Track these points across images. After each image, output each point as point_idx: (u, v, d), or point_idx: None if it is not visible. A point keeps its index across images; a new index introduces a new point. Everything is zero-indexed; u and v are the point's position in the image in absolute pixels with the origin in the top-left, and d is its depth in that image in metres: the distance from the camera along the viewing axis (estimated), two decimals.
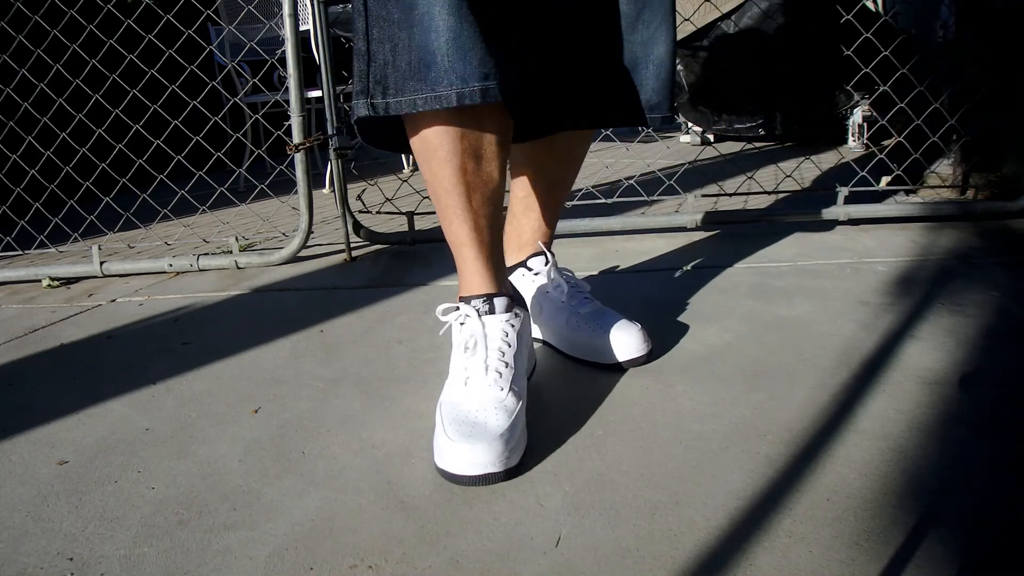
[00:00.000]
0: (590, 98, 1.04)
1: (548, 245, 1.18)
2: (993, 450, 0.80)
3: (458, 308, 0.94)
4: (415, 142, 0.90)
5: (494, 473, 0.79)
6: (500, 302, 0.93)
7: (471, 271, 0.94)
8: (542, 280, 1.15)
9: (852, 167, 2.00)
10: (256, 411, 1.02)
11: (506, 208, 1.16)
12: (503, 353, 0.90)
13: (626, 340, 1.05)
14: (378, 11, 0.82)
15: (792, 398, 0.94)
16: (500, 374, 0.88)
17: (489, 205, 0.92)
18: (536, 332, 1.16)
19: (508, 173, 1.06)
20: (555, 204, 1.18)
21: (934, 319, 1.16)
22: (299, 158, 1.77)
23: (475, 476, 0.79)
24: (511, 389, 0.87)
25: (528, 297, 1.15)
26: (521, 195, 1.16)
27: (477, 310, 0.92)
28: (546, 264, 1.16)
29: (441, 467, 0.81)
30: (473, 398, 0.87)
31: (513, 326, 0.93)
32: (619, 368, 1.06)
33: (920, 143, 1.90)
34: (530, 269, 1.17)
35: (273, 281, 1.69)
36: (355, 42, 0.86)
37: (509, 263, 1.17)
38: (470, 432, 0.81)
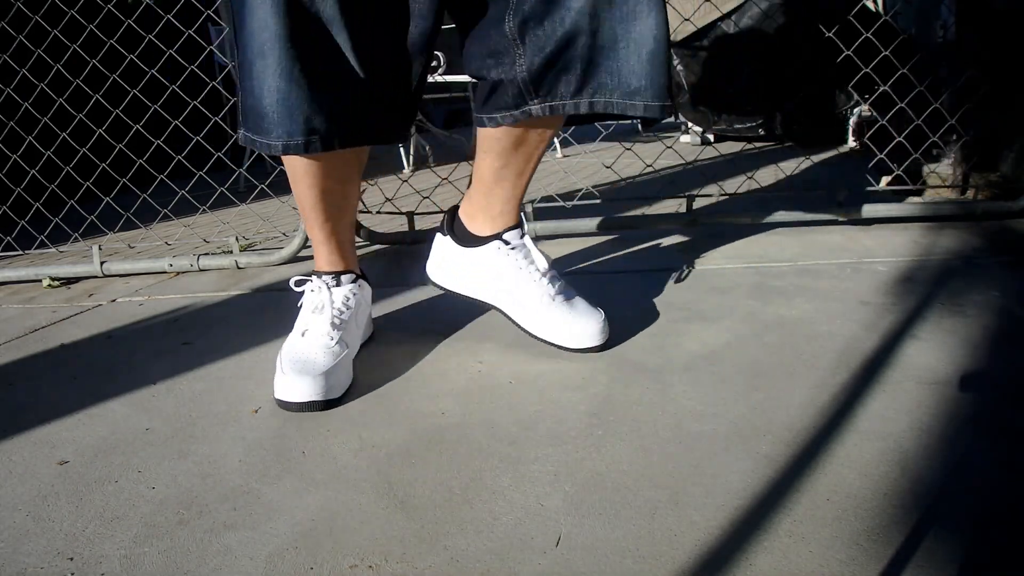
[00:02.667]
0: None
1: (518, 218, 1.20)
2: (994, 450, 0.80)
3: (311, 279, 1.14)
4: (287, 166, 1.08)
5: (316, 401, 0.99)
6: (346, 277, 1.15)
7: (322, 255, 1.15)
8: (519, 258, 1.18)
9: (852, 167, 1.99)
10: (256, 411, 1.02)
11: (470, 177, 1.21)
12: (340, 313, 1.11)
13: (585, 326, 1.13)
14: (240, 59, 0.95)
15: (792, 398, 0.94)
16: (333, 326, 1.08)
17: (346, 214, 1.16)
18: (497, 302, 1.21)
19: (477, 142, 1.17)
20: (526, 180, 1.19)
21: (934, 319, 1.16)
22: None
23: (300, 403, 0.99)
24: (340, 340, 1.07)
25: (502, 270, 1.18)
26: (496, 165, 1.15)
27: (327, 283, 1.13)
28: (521, 236, 1.19)
29: (276, 397, 1.01)
30: (307, 344, 1.06)
31: (355, 294, 1.15)
32: (573, 352, 1.13)
33: (920, 143, 1.90)
34: (507, 243, 1.18)
35: (273, 281, 1.69)
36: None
37: (482, 233, 1.20)
38: (301, 368, 1.00)
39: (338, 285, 1.14)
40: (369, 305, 1.23)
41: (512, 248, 1.18)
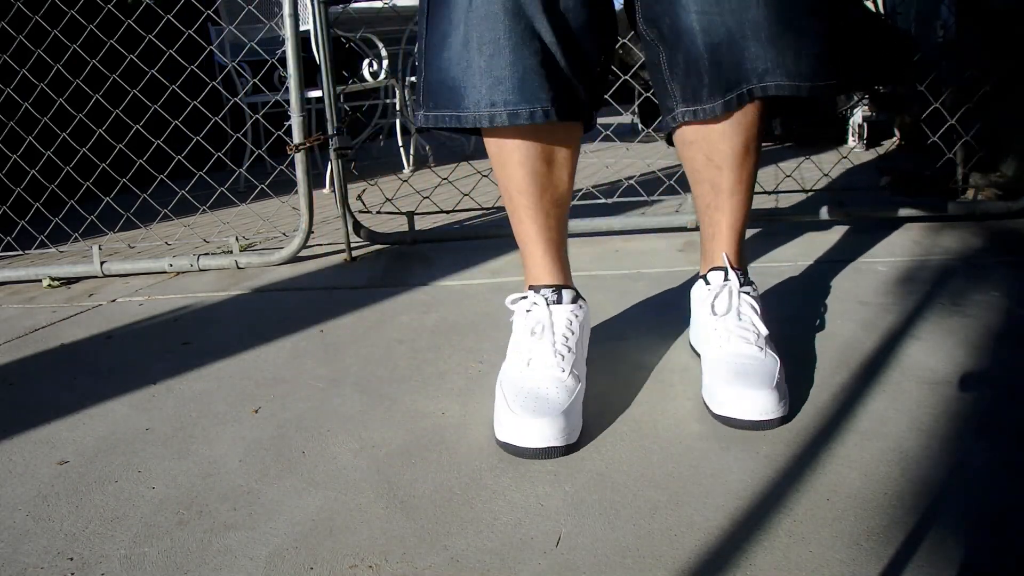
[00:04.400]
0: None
1: (734, 260, 1.04)
2: (994, 450, 0.80)
3: (526, 297, 0.99)
4: (491, 145, 0.97)
5: (556, 447, 0.83)
6: (567, 293, 0.98)
7: (539, 264, 1.00)
8: (710, 297, 1.03)
9: (852, 167, 1.99)
10: (256, 411, 1.02)
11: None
12: (567, 339, 0.95)
13: (753, 406, 0.88)
14: (442, 33, 0.90)
15: (792, 398, 0.94)
16: (563, 357, 0.93)
17: (557, 207, 0.99)
18: (695, 341, 1.09)
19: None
20: (728, 211, 1.03)
21: (934, 319, 1.16)
22: (299, 158, 1.77)
23: (538, 448, 0.83)
24: (572, 372, 0.92)
25: (696, 311, 1.08)
26: (702, 204, 1.07)
27: (545, 298, 0.97)
28: (724, 280, 1.03)
29: (504, 440, 0.85)
30: (535, 376, 0.91)
31: (577, 316, 0.98)
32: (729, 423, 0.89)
33: (920, 143, 1.90)
34: (708, 283, 1.06)
35: (273, 281, 1.69)
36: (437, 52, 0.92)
37: (700, 272, 1.09)
38: (534, 407, 0.85)
39: (559, 303, 0.97)
40: (589, 327, 1.04)
41: (709, 289, 1.04)
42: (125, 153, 1.96)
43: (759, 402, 0.87)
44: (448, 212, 2.05)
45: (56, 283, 1.83)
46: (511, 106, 0.88)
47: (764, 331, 0.98)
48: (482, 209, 2.05)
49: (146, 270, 1.84)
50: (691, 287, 1.11)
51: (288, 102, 1.78)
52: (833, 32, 0.94)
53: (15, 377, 1.21)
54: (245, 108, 3.08)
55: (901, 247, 1.59)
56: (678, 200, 2.07)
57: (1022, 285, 1.30)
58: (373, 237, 1.91)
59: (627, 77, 2.03)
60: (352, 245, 1.84)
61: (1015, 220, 1.73)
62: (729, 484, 0.77)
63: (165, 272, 1.83)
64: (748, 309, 1.00)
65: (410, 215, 1.93)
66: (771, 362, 0.94)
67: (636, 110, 3.94)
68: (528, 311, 0.97)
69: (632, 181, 1.98)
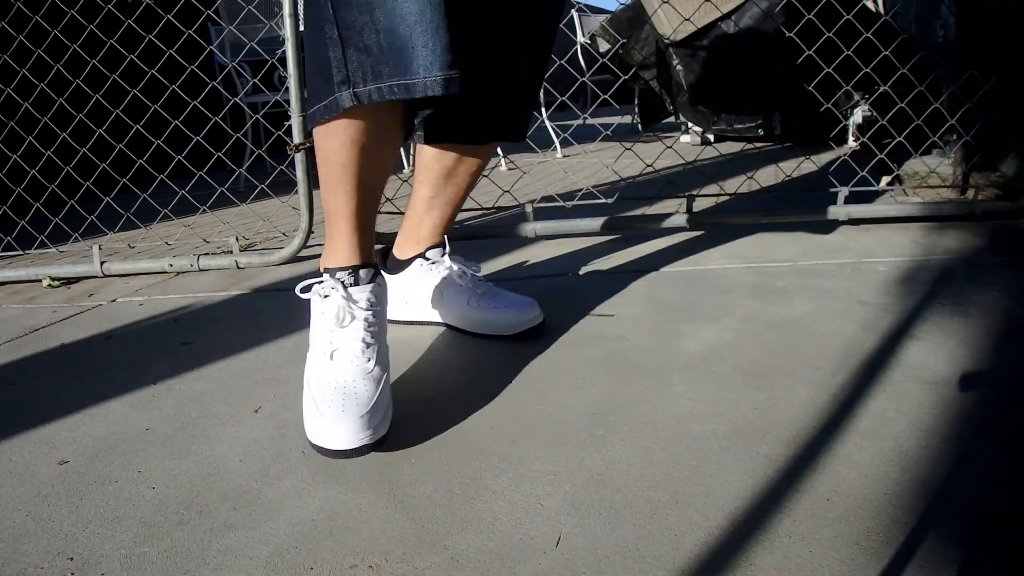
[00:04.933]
0: (514, 108, 1.15)
1: (441, 239, 1.26)
2: (994, 450, 0.80)
3: (322, 281, 0.95)
4: (335, 116, 0.88)
5: (366, 445, 0.82)
6: (365, 273, 0.96)
7: (343, 242, 0.95)
8: (441, 268, 1.23)
9: (852, 167, 2.00)
10: (256, 411, 1.02)
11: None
12: (370, 324, 0.92)
13: (520, 313, 1.17)
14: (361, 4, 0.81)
15: (792, 398, 0.94)
16: (367, 345, 0.90)
17: (378, 186, 0.98)
18: (436, 316, 1.26)
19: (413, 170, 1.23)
20: (457, 208, 1.25)
21: (934, 319, 1.16)
22: (299, 158, 1.77)
23: (349, 449, 0.81)
24: (377, 359, 0.90)
25: (426, 286, 1.24)
26: (427, 195, 1.22)
27: (343, 282, 0.93)
28: (443, 254, 1.24)
29: (316, 443, 0.83)
30: (341, 370, 0.88)
31: (378, 297, 0.95)
32: (517, 338, 1.17)
33: (920, 143, 1.90)
34: (427, 259, 1.24)
35: (273, 281, 1.69)
36: (359, 35, 0.83)
37: (405, 256, 1.26)
38: (342, 405, 0.83)
39: (356, 284, 0.94)
40: (387, 303, 1.02)
41: (433, 263, 1.23)
42: (125, 153, 1.96)
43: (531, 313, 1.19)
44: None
45: (56, 283, 1.83)
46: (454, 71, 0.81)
47: (479, 269, 1.27)
48: (482, 209, 2.05)
49: (146, 270, 1.84)
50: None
51: (288, 102, 1.78)
52: None
53: (15, 377, 1.21)
54: (245, 108, 3.08)
55: (901, 247, 1.59)
56: (678, 200, 2.07)
57: (1022, 285, 1.30)
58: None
59: (626, 77, 2.03)
60: None
61: (1015, 220, 1.73)
62: (729, 484, 0.77)
63: (165, 272, 1.83)
64: (462, 264, 1.24)
65: None
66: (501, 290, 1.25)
67: (636, 110, 3.95)
68: (326, 296, 0.93)
69: (632, 181, 1.98)
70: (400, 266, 1.26)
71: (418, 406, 1.00)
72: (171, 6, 1.87)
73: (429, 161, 1.20)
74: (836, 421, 0.88)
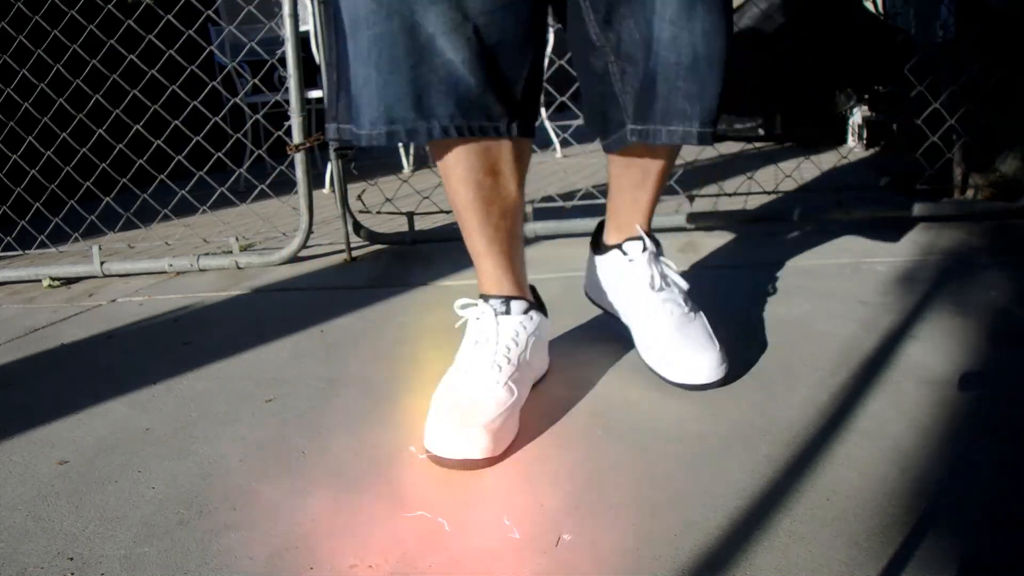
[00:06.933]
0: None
1: (647, 230, 1.10)
2: (993, 450, 0.80)
3: (476, 304, 0.98)
4: (437, 160, 0.97)
5: (475, 459, 0.83)
6: (517, 305, 0.98)
7: (490, 276, 0.99)
8: (636, 268, 1.08)
9: (852, 167, 2.00)
10: (256, 411, 1.02)
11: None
12: (508, 350, 0.94)
13: (697, 363, 0.98)
14: (359, 49, 0.88)
15: (792, 398, 0.94)
16: (500, 368, 0.92)
17: (505, 219, 0.98)
18: (621, 315, 1.13)
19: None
20: (650, 191, 1.08)
21: (934, 319, 1.16)
22: (299, 158, 1.77)
23: (457, 460, 0.83)
24: (506, 384, 0.91)
25: (619, 281, 1.11)
26: (615, 172, 1.09)
27: (494, 309, 0.97)
28: (643, 250, 1.09)
29: (428, 448, 0.85)
30: (468, 386, 0.90)
31: (525, 327, 0.97)
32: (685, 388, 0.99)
33: (920, 143, 1.90)
34: (625, 254, 1.10)
35: (273, 281, 1.69)
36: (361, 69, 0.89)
37: (609, 242, 1.14)
38: (460, 418, 0.85)
39: (507, 313, 0.97)
40: (546, 341, 1.05)
41: (631, 260, 1.09)
42: (125, 153, 1.96)
43: (711, 361, 0.98)
44: (448, 212, 2.05)
45: (56, 283, 1.83)
46: (408, 123, 0.87)
47: (685, 286, 1.09)
48: None
49: (146, 270, 1.84)
50: (596, 255, 1.16)
51: (288, 102, 1.78)
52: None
53: (15, 377, 1.21)
54: (245, 108, 3.08)
55: (901, 247, 1.59)
56: (677, 200, 2.07)
57: (1022, 285, 1.30)
58: (373, 237, 1.91)
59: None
60: (352, 245, 1.84)
61: (1015, 220, 1.73)
62: (729, 484, 0.77)
63: (165, 272, 1.83)
64: (672, 273, 1.09)
65: (410, 215, 1.93)
66: (702, 321, 1.05)
67: None
68: (477, 319, 0.98)
69: None
70: (602, 248, 1.15)
71: (418, 405, 1.00)
72: (171, 6, 1.87)
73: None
74: (836, 421, 0.88)
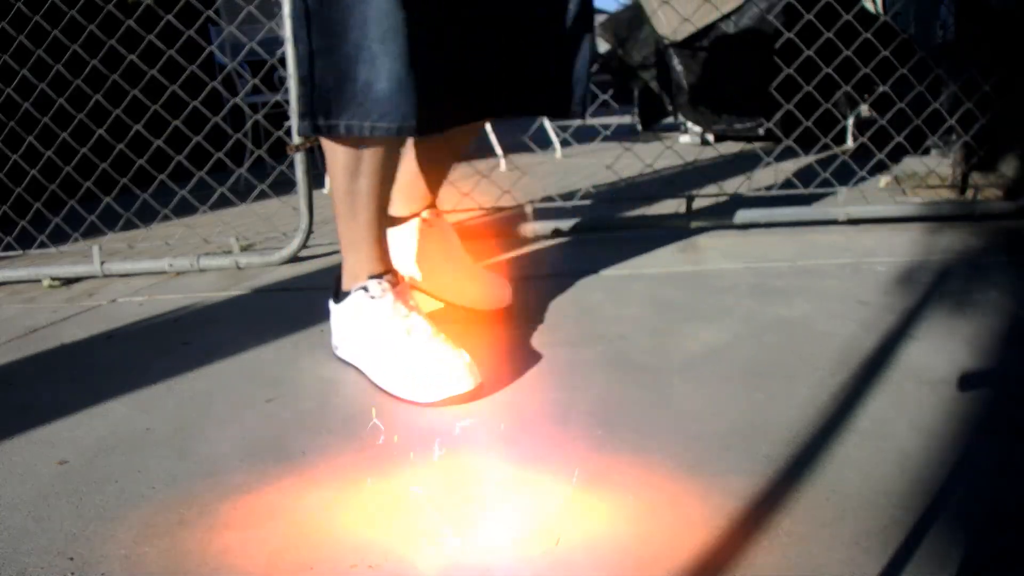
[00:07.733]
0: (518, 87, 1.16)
1: (434, 207, 1.27)
2: (993, 450, 0.80)
3: (366, 288, 1.07)
4: (346, 154, 1.04)
5: (460, 394, 0.96)
6: (395, 275, 1.10)
7: (378, 253, 1.10)
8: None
9: (852, 167, 2.00)
10: (256, 411, 1.02)
11: None
12: (421, 311, 1.07)
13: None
14: (333, 45, 0.96)
15: (792, 398, 0.94)
16: (429, 324, 1.04)
17: (379, 210, 1.10)
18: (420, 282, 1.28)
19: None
20: (446, 172, 1.29)
21: (934, 319, 1.16)
22: (299, 158, 1.77)
23: (469, 392, 0.96)
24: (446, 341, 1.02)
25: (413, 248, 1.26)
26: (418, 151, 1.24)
27: (389, 282, 1.07)
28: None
29: (407, 397, 0.98)
30: (424, 339, 1.01)
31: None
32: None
33: (920, 143, 1.90)
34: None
35: (273, 281, 1.69)
36: (297, 68, 1.00)
37: (397, 213, 1.25)
38: (453, 355, 0.98)
39: (396, 284, 1.08)
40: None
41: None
42: (125, 153, 1.96)
43: None
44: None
45: (56, 283, 1.83)
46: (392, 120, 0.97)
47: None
48: (482, 209, 2.05)
49: (146, 270, 1.84)
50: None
51: (288, 102, 1.78)
52: None
53: (15, 377, 1.21)
54: (245, 108, 3.08)
55: (901, 247, 1.59)
56: (678, 200, 2.07)
57: (1022, 285, 1.30)
58: None
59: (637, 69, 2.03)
60: None
61: (1015, 220, 1.74)
62: (729, 484, 0.77)
63: (165, 272, 1.83)
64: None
65: None
66: None
67: (636, 111, 3.95)
68: (374, 297, 1.06)
69: (632, 181, 1.98)
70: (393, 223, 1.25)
71: (418, 406, 1.00)
72: (171, 6, 1.87)
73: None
74: (835, 421, 0.88)
